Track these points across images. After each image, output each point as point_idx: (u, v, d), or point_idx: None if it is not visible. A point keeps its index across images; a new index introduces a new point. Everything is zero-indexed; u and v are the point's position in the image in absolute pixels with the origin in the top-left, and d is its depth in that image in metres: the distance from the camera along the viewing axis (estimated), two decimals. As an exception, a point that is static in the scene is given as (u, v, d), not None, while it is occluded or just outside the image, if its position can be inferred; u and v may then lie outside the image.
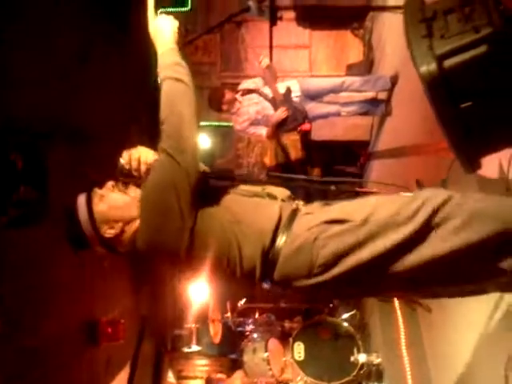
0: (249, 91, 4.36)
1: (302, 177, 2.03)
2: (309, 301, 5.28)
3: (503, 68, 1.57)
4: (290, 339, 4.59)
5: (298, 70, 6.16)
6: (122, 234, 1.59)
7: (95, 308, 4.16)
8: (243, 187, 1.68)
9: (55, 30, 3.64)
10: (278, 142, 5.08)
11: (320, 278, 1.47)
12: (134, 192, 1.61)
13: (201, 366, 5.74)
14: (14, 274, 3.01)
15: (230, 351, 5.65)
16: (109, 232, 1.58)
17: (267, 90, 4.29)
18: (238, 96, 4.35)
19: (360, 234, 1.44)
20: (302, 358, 4.47)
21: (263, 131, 4.37)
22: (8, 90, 3.05)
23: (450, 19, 1.63)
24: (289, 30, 5.96)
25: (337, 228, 1.46)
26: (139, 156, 1.65)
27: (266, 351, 4.82)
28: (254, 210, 1.57)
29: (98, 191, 1.62)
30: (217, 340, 5.31)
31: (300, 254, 1.47)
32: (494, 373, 2.20)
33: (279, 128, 4.28)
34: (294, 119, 4.22)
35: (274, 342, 4.92)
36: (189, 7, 6.13)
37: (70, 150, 3.78)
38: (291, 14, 5.64)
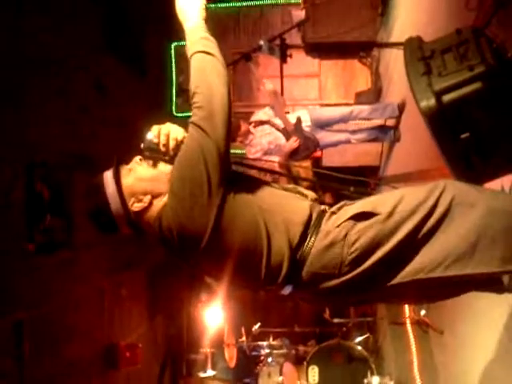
0: (261, 122, 4.50)
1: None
2: (321, 323, 5.31)
3: (496, 101, 1.70)
4: (305, 363, 4.63)
5: (308, 98, 6.32)
6: (149, 207, 1.53)
7: (114, 333, 4.26)
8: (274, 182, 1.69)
9: (74, 70, 3.85)
10: (288, 171, 5.20)
11: (348, 276, 1.47)
12: (162, 167, 1.56)
13: (217, 390, 5.77)
14: (39, 300, 3.14)
15: (245, 375, 5.66)
16: (136, 205, 1.53)
17: (278, 121, 4.43)
18: (251, 128, 4.49)
19: (388, 226, 1.46)
20: (316, 382, 4.51)
21: (276, 160, 4.50)
22: (34, 125, 3.23)
23: (446, 58, 1.77)
24: (299, 59, 6.12)
25: (365, 222, 1.47)
26: (169, 131, 1.56)
27: (281, 375, 4.85)
28: (286, 202, 1.56)
29: (125, 166, 1.58)
30: (232, 364, 5.34)
31: (331, 250, 1.47)
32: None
33: (291, 157, 4.41)
34: (305, 148, 4.34)
35: (288, 366, 4.96)
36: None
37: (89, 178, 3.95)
38: (301, 45, 5.87)
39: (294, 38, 5.72)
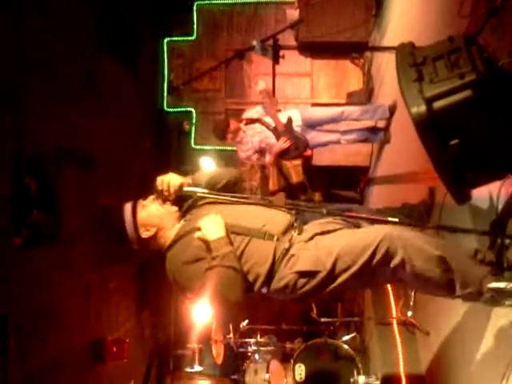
0: (252, 121, 4.51)
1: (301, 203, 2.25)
2: (308, 321, 5.34)
3: (486, 109, 1.72)
4: (291, 360, 4.63)
5: (299, 97, 6.34)
6: (154, 237, 2.09)
7: (101, 327, 4.26)
8: (244, 225, 2.04)
9: (66, 62, 3.83)
10: (279, 169, 5.25)
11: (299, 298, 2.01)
12: (169, 207, 2.11)
13: (203, 386, 5.77)
14: (25, 294, 3.12)
15: (231, 372, 5.68)
16: (145, 234, 2.07)
17: (269, 120, 4.44)
18: (241, 125, 4.50)
19: (329, 278, 1.92)
20: (302, 379, 4.50)
21: (266, 158, 4.52)
22: (22, 117, 3.20)
23: (438, 65, 1.78)
24: (291, 58, 6.14)
25: (311, 278, 1.94)
26: (169, 180, 2.04)
27: (268, 372, 4.87)
28: (253, 255, 1.99)
29: (141, 202, 2.11)
30: (219, 361, 5.36)
31: (285, 291, 1.98)
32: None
33: (282, 156, 4.43)
34: (295, 148, 4.36)
35: (275, 364, 4.98)
36: (194, 36, 6.36)
37: (79, 175, 3.94)
38: (294, 44, 5.88)
39: (287, 36, 5.73)
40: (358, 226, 2.15)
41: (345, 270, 1.90)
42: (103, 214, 4.32)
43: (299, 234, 2.02)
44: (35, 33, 3.34)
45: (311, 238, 2.00)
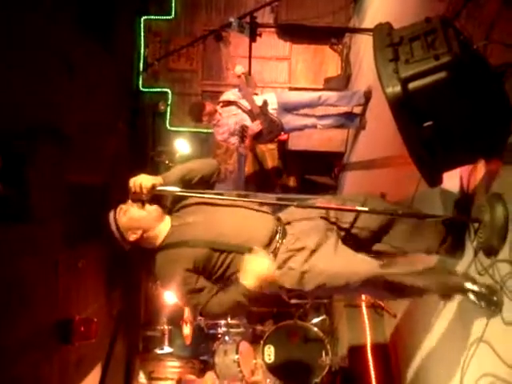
0: (229, 103, 4.49)
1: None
2: (279, 303, 5.38)
3: (460, 91, 1.73)
4: (261, 342, 4.67)
5: (277, 81, 6.31)
6: (141, 238, 2.17)
7: (69, 306, 4.20)
8: (227, 241, 2.13)
9: (40, 38, 3.72)
10: (254, 153, 5.24)
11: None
12: (149, 207, 2.16)
13: (172, 367, 5.79)
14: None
15: (201, 353, 5.71)
16: (132, 237, 2.16)
17: (245, 103, 4.43)
18: (218, 108, 4.48)
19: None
20: (271, 361, 4.55)
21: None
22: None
23: (414, 46, 1.78)
24: (270, 42, 6.12)
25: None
26: (141, 182, 2.09)
27: (237, 353, 4.89)
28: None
29: (121, 206, 2.17)
30: (188, 342, 5.37)
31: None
32: (450, 373, 2.35)
33: (256, 140, 4.43)
34: (269, 131, 4.37)
35: (244, 345, 5.01)
36: (172, 15, 6.26)
37: (51, 152, 3.85)
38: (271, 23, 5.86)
39: (267, 19, 5.70)
40: (346, 230, 2.25)
41: (321, 291, 2.12)
42: (74, 192, 4.25)
43: (284, 238, 2.15)
44: (7, 9, 3.24)
45: (299, 250, 2.10)
